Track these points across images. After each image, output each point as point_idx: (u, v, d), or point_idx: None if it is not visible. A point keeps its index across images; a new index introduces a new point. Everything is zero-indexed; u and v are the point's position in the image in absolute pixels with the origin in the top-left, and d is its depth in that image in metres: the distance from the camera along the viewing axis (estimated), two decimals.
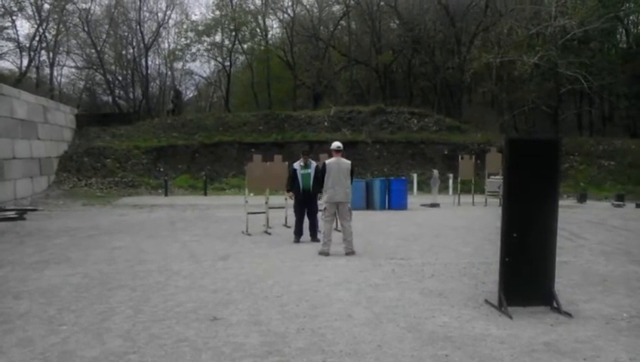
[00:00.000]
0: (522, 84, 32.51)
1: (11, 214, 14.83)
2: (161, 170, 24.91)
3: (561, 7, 28.62)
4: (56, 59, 36.23)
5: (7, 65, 35.99)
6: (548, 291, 5.78)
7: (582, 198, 20.21)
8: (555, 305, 5.75)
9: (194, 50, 37.99)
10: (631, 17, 34.85)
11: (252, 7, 37.68)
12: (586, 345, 4.77)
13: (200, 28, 37.13)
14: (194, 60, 38.42)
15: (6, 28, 32.56)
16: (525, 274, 5.69)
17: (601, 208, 18.25)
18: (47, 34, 33.83)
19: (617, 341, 4.88)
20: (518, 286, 5.69)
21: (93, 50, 36.11)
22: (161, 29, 38.51)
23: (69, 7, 33.88)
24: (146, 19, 37.56)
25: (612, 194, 21.26)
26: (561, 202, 6.21)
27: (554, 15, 28.59)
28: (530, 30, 29.98)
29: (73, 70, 40.13)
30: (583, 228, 12.84)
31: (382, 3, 35.92)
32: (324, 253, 9.04)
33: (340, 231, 9.91)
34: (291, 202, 10.99)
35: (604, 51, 35.21)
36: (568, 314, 5.60)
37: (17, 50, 34.19)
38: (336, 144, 9.53)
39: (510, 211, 5.69)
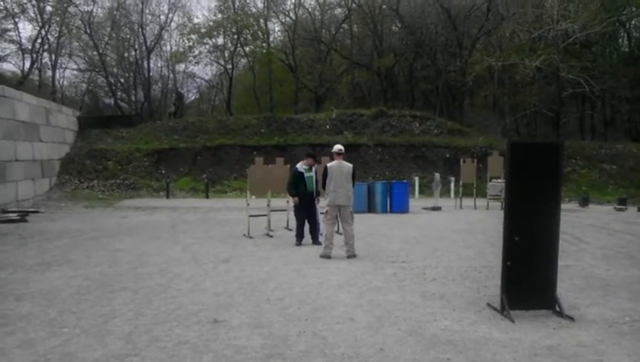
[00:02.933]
0: (524, 88, 32.56)
1: (13, 216, 14.85)
2: (163, 172, 24.93)
3: (563, 11, 28.65)
4: (59, 61, 36.34)
5: (10, 67, 36.06)
6: (550, 295, 5.76)
7: (584, 202, 20.17)
8: (557, 308, 5.73)
9: (196, 52, 38.05)
10: (633, 21, 34.86)
11: (254, 9, 37.78)
12: (589, 349, 4.76)
13: (202, 30, 37.18)
14: (196, 63, 38.45)
15: (8, 30, 32.69)
16: (527, 278, 5.66)
17: (603, 212, 18.22)
18: (49, 36, 33.90)
19: (620, 345, 4.86)
20: (520, 290, 5.67)
21: (95, 53, 36.19)
22: (163, 31, 38.61)
23: (71, 9, 34.01)
24: (148, 21, 37.69)
25: (614, 198, 21.23)
26: (563, 206, 6.19)
27: (556, 19, 28.60)
28: (532, 34, 30.00)
29: (75, 72, 40.23)
30: (585, 231, 12.81)
31: (384, 6, 35.99)
32: (326, 256, 9.03)
33: (341, 234, 9.90)
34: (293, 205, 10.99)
35: (605, 55, 35.30)
36: (570, 318, 5.58)
37: (19, 52, 34.33)
38: (337, 147, 9.50)
39: (512, 214, 5.67)
